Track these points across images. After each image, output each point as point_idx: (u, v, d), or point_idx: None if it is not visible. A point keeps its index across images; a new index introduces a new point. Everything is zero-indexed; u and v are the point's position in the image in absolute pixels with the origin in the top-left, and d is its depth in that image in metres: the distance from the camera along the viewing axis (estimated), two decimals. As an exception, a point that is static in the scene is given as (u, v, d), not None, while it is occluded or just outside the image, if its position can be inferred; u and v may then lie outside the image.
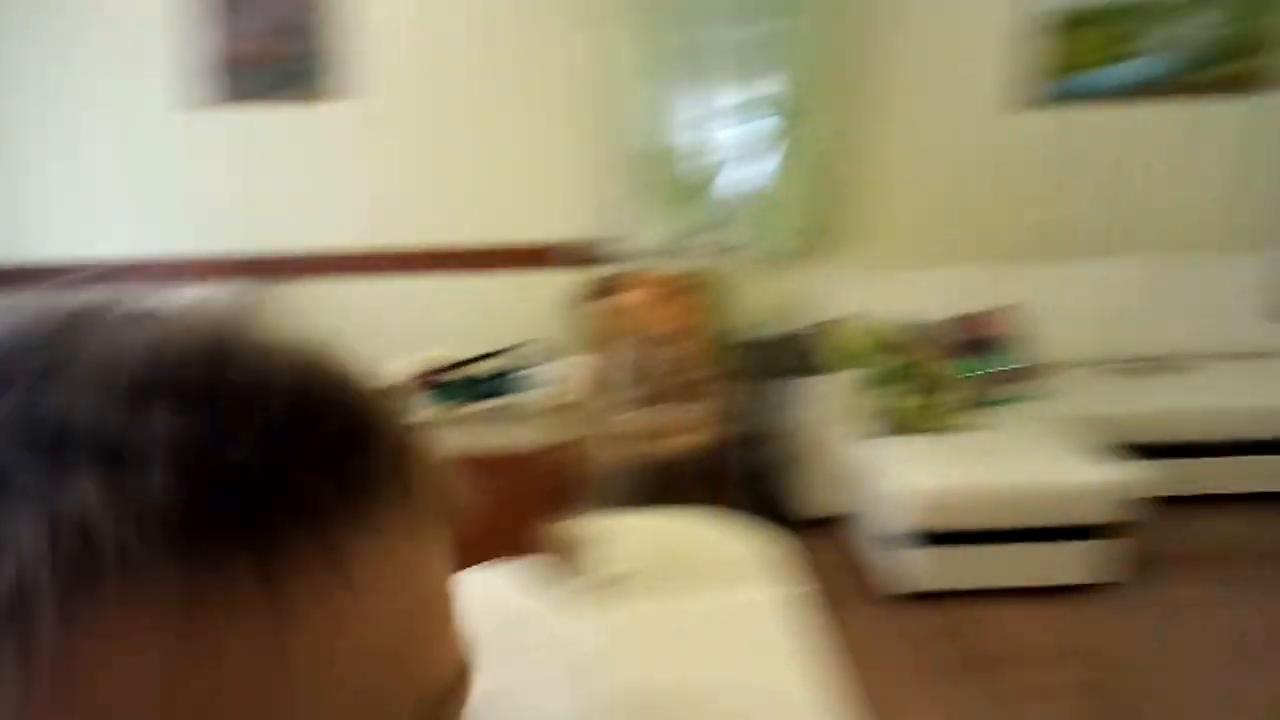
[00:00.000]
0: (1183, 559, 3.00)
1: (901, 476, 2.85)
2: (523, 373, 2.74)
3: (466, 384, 2.66)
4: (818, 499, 3.27)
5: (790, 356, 3.52)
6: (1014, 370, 3.54)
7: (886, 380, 3.27)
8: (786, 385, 3.49)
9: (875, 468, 2.97)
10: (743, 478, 3.37)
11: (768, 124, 3.77)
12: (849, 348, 3.40)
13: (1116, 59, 3.66)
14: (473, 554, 0.41)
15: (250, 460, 0.22)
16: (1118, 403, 3.35)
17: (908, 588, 2.75)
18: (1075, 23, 3.62)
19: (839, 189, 3.83)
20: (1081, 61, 3.68)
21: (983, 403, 3.35)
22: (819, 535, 3.11)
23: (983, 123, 3.88)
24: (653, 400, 3.40)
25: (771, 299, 3.88)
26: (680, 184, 3.83)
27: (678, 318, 3.72)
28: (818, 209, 3.86)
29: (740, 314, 3.90)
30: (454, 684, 0.28)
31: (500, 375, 2.70)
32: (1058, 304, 3.54)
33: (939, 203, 3.97)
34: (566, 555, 1.61)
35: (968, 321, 3.68)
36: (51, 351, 0.24)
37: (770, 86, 3.77)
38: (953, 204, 3.96)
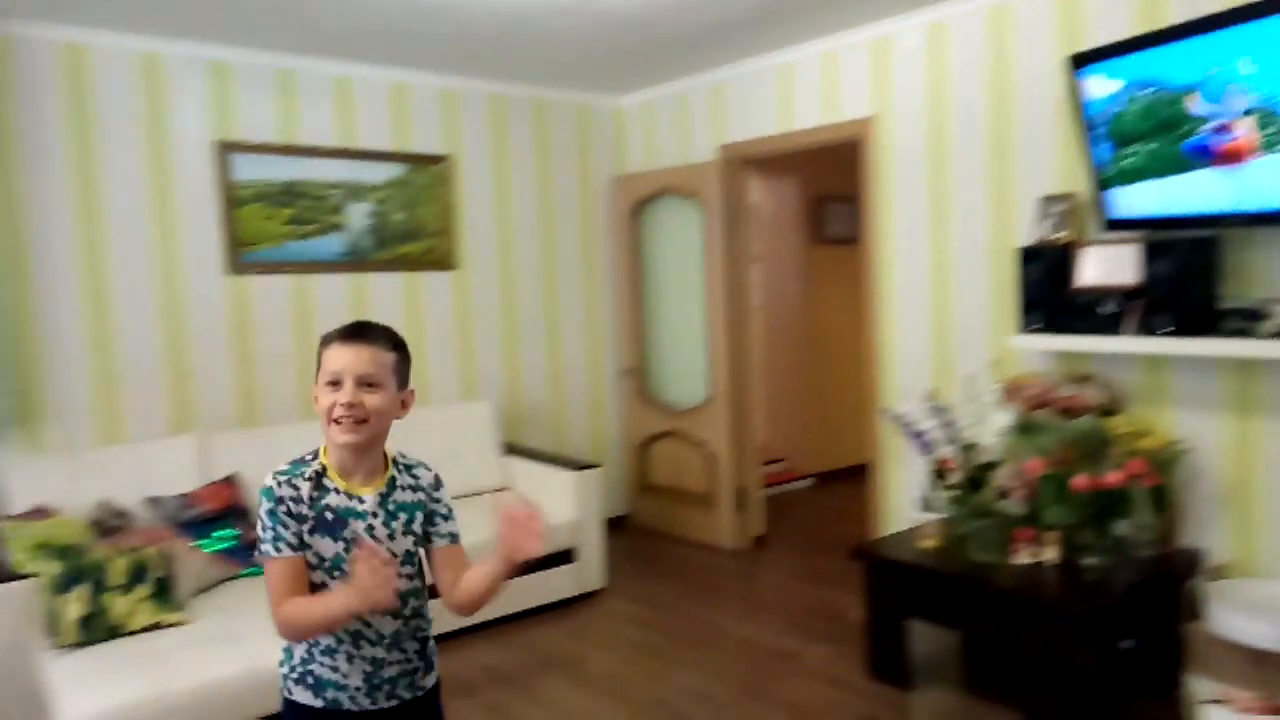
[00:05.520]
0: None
1: (73, 702, 2.47)
2: None
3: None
4: None
5: None
6: (237, 544, 3.36)
7: (72, 581, 2.79)
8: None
9: (54, 692, 2.56)
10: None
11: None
12: (36, 545, 2.88)
13: (297, 236, 4.24)
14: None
15: None
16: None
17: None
18: (254, 199, 4.10)
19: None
20: (265, 235, 4.15)
21: (218, 581, 3.23)
22: None
23: (182, 290, 3.98)
24: None
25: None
26: None
27: None
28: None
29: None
30: None
31: None
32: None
33: (129, 374, 3.85)
34: None
35: (190, 497, 3.50)
36: None
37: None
38: (143, 375, 3.88)
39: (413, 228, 4.64)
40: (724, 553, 4.90)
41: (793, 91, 4.45)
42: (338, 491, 1.59)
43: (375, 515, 1.61)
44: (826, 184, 6.36)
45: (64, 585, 2.76)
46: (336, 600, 1.51)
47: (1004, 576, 2.92)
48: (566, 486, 4.19)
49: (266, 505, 1.57)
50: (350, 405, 1.55)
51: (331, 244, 4.38)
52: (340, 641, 1.61)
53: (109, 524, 3.31)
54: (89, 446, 3.73)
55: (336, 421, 1.56)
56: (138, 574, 2.88)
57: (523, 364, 5.09)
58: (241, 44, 3.99)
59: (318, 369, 1.61)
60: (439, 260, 4.73)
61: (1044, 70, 3.45)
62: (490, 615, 3.88)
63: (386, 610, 1.57)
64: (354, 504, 1.60)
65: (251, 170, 4.13)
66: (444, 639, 3.72)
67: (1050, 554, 2.96)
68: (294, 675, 1.65)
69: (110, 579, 2.83)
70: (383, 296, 4.55)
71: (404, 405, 1.65)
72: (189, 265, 4.00)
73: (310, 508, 1.57)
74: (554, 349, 5.22)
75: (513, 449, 4.70)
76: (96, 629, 2.77)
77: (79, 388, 3.74)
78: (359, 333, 1.61)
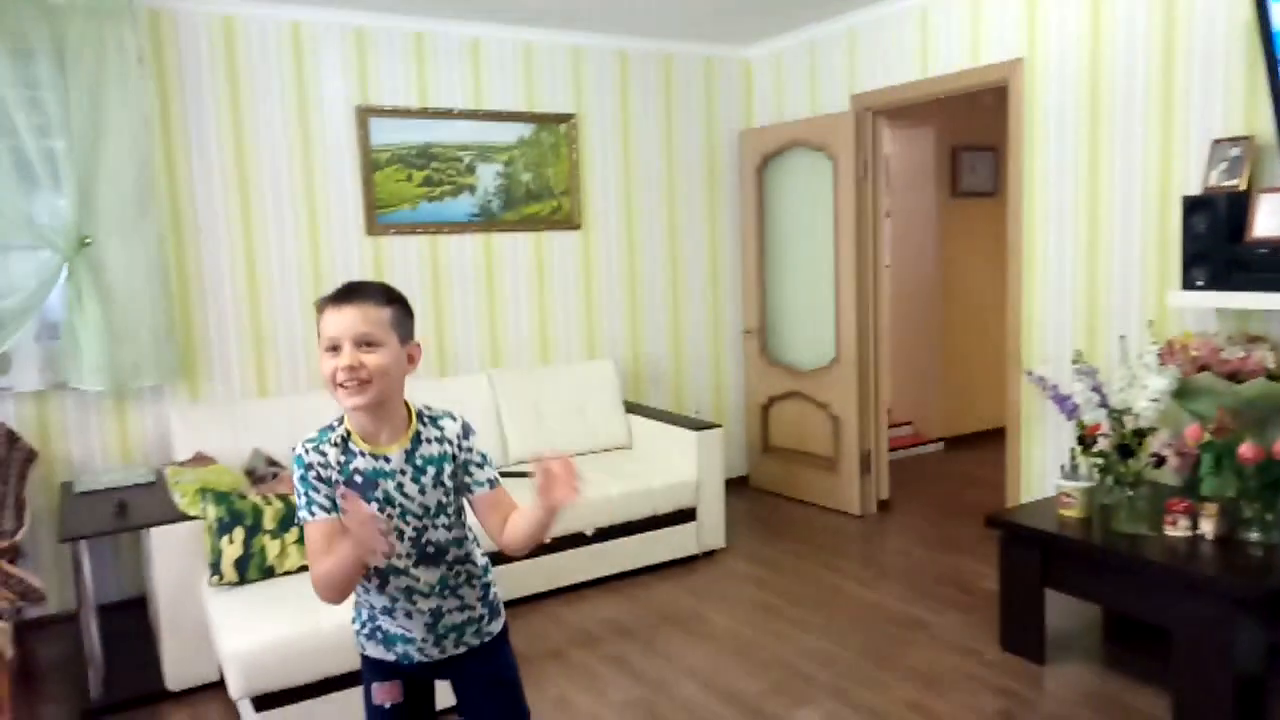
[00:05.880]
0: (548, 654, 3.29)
1: (231, 635, 2.64)
2: None
3: None
4: (189, 666, 3.04)
5: (136, 506, 3.13)
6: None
7: (230, 525, 2.98)
8: (136, 539, 3.14)
9: (217, 625, 2.75)
10: (79, 658, 3.04)
11: (45, 255, 3.51)
12: (197, 490, 3.09)
13: (430, 198, 4.40)
14: None
15: None
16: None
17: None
18: (391, 162, 4.28)
19: (161, 321, 3.71)
20: (401, 196, 4.33)
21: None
22: (189, 707, 3.00)
23: (325, 251, 4.17)
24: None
25: (104, 443, 3.76)
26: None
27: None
28: (129, 343, 3.63)
29: (63, 464, 3.69)
30: None
31: None
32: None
33: (279, 331, 4.08)
34: None
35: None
36: None
37: (47, 214, 3.51)
38: (291, 332, 4.09)
39: (540, 188, 4.69)
40: (847, 517, 4.80)
41: (933, 35, 4.21)
42: (363, 454, 1.59)
43: (403, 472, 1.60)
44: (963, 133, 6.03)
45: (223, 528, 2.97)
46: (340, 549, 1.52)
47: (1155, 549, 2.73)
48: (687, 446, 4.19)
49: (298, 472, 1.59)
50: (350, 368, 1.52)
51: (463, 205, 4.49)
52: (395, 600, 1.66)
53: (261, 472, 3.54)
54: (243, 399, 3.99)
55: (341, 386, 1.53)
56: (287, 520, 3.06)
57: (645, 323, 5.10)
58: (379, 9, 4.09)
59: (319, 337, 1.58)
60: (565, 220, 4.77)
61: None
62: (611, 570, 3.94)
63: (387, 557, 1.55)
64: (380, 464, 1.59)
65: (388, 134, 4.26)
66: (565, 592, 3.83)
67: (1208, 527, 2.74)
68: (365, 632, 1.73)
69: (264, 523, 3.02)
70: (511, 256, 4.64)
71: (411, 360, 1.62)
72: (332, 227, 4.18)
73: (340, 472, 1.58)
74: (676, 308, 5.20)
75: (634, 408, 4.73)
76: (252, 569, 2.97)
77: (234, 343, 4.00)
78: (350, 294, 1.57)
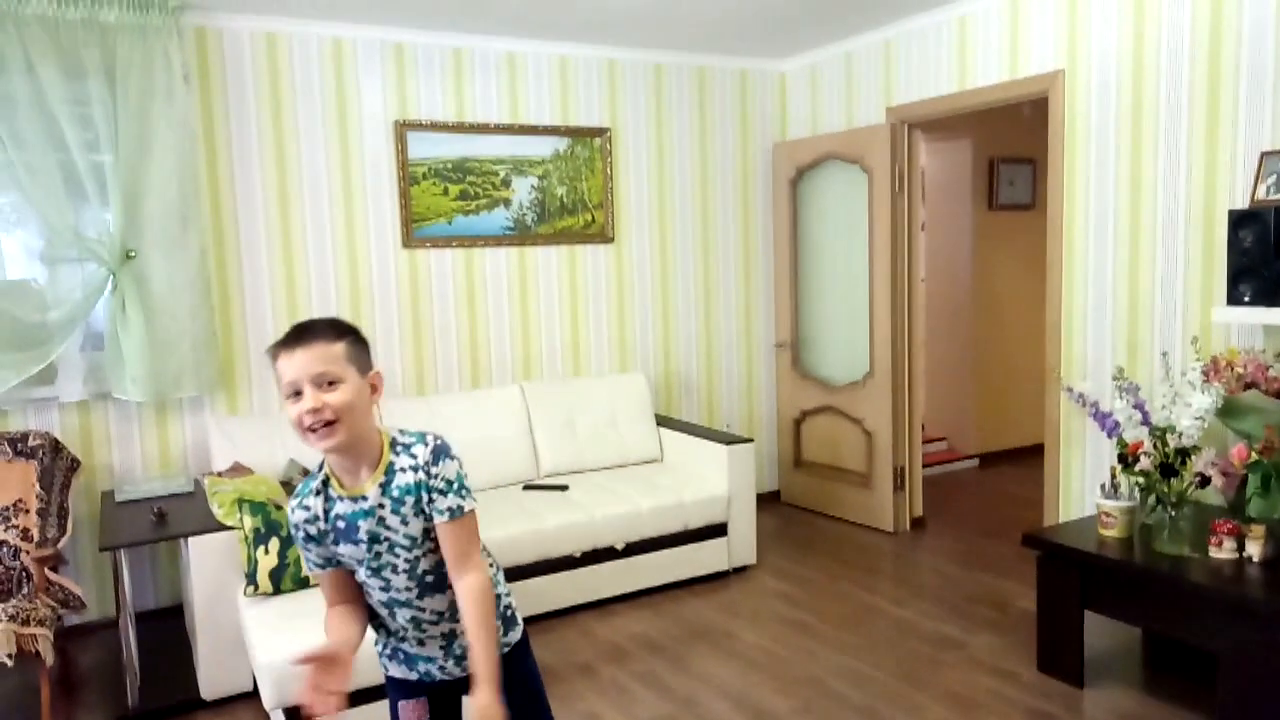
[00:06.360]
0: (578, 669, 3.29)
1: (265, 646, 2.67)
2: None
3: None
4: (225, 676, 3.06)
5: (174, 515, 3.19)
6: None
7: (265, 535, 3.00)
8: (175, 549, 3.21)
9: (251, 635, 2.79)
10: (121, 668, 3.06)
11: (91, 268, 3.58)
12: (234, 500, 3.10)
13: (466, 211, 4.44)
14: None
15: None
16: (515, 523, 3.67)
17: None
18: (427, 176, 4.34)
19: (201, 333, 3.76)
20: (436, 210, 4.38)
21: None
22: (224, 716, 3.02)
23: (362, 264, 4.22)
24: None
25: (144, 452, 3.82)
26: (12, 328, 3.44)
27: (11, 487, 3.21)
28: (170, 355, 3.69)
29: (105, 473, 3.75)
30: None
31: None
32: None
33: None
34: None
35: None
36: None
37: (93, 227, 3.60)
38: None
39: (574, 201, 4.72)
40: (880, 533, 4.74)
41: (970, 47, 4.17)
42: (341, 499, 1.59)
43: (382, 506, 1.57)
44: (1001, 145, 5.97)
45: (259, 539, 3.01)
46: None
47: (1199, 571, 2.66)
48: (719, 460, 4.17)
49: (293, 532, 1.64)
50: (315, 411, 1.49)
51: (497, 218, 4.52)
52: (405, 630, 1.68)
53: (296, 483, 3.58)
54: (280, 410, 4.03)
55: (310, 430, 1.50)
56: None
57: (676, 336, 5.09)
58: (418, 25, 4.15)
59: (279, 385, 1.55)
60: (598, 233, 4.79)
61: (1272, 9, 3.07)
62: (641, 585, 3.93)
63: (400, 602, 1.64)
64: (359, 505, 1.57)
65: (425, 148, 4.31)
66: (595, 606, 3.82)
67: (1255, 550, 2.67)
68: (387, 653, 1.75)
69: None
70: (544, 270, 4.66)
71: (374, 389, 1.59)
72: (369, 240, 4.23)
73: (326, 520, 1.60)
74: (708, 321, 5.19)
75: (665, 421, 4.72)
76: (286, 580, 3.00)
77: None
78: (299, 335, 1.55)
